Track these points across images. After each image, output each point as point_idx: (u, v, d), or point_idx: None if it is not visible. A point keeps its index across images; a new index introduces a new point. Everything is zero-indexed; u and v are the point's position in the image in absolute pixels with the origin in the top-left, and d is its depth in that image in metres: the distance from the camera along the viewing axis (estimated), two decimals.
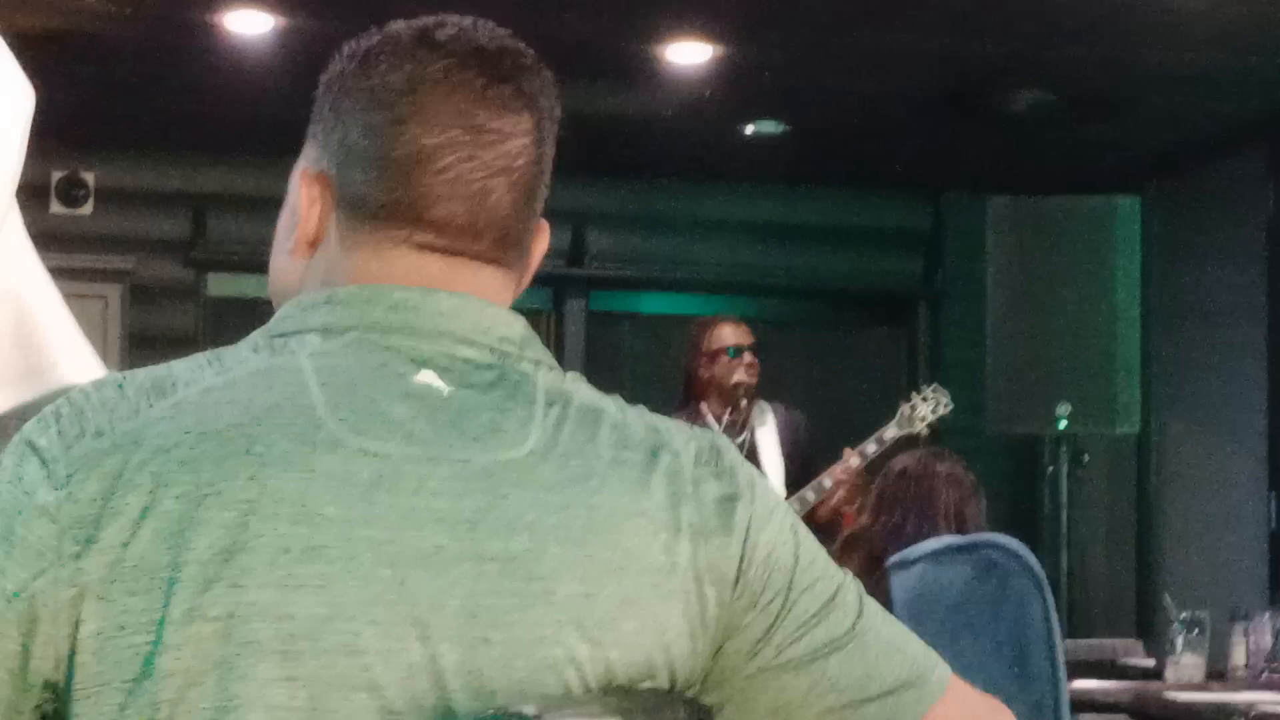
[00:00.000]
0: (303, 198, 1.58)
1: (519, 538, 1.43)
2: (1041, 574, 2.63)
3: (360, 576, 1.39)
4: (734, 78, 7.42)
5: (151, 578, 1.36)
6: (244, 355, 1.48)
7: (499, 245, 1.57)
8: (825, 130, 8.18)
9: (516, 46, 1.61)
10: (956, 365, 8.71)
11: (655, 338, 9.11)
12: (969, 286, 8.62)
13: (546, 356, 1.56)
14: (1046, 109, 7.69)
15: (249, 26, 6.89)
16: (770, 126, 8.20)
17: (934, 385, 6.44)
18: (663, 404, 6.87)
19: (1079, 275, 7.57)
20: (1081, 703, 5.03)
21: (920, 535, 3.75)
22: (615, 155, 8.48)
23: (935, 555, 2.66)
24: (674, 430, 1.54)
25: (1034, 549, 3.54)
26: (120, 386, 1.45)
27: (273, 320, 1.53)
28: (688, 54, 7.20)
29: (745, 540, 1.48)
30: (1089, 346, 7.51)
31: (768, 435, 6.51)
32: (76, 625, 1.37)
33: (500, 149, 1.55)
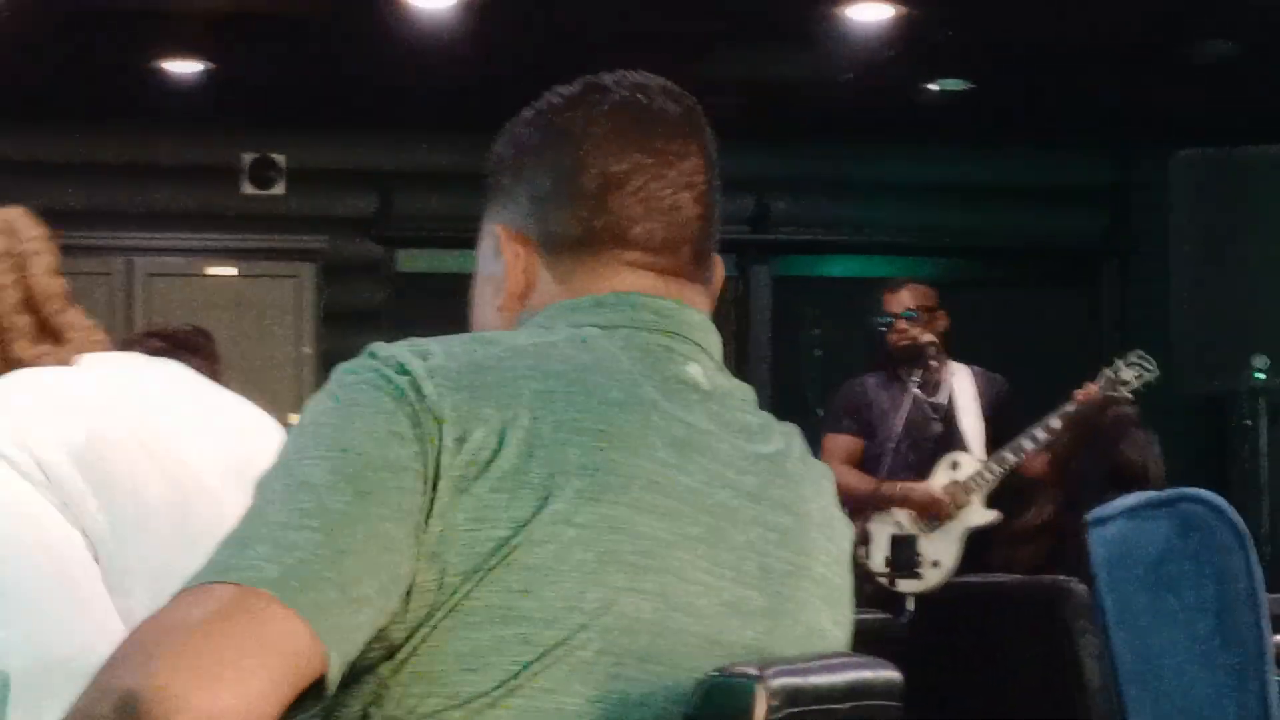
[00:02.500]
0: (507, 255, 1.69)
1: (788, 516, 1.65)
2: (1244, 529, 2.60)
3: (690, 516, 1.56)
4: (915, 36, 7.36)
5: (515, 480, 1.48)
6: (539, 331, 1.63)
7: (695, 261, 1.70)
8: (1008, 87, 8.09)
9: (672, 84, 1.75)
10: (1143, 322, 8.58)
11: (841, 302, 9.06)
12: (1155, 242, 8.48)
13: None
14: (1233, 58, 7.55)
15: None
16: (953, 84, 8.12)
17: (1138, 351, 6.36)
18: (850, 367, 6.89)
19: (1269, 225, 7.41)
20: None
21: (1103, 489, 3.69)
22: (797, 119, 8.46)
23: (1133, 511, 2.64)
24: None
25: (1232, 505, 3.50)
26: (442, 341, 1.57)
27: (541, 319, 1.66)
28: (868, 13, 7.16)
29: None
30: None
31: (965, 397, 6.49)
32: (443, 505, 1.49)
33: (680, 167, 1.68)
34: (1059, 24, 7.25)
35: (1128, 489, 3.53)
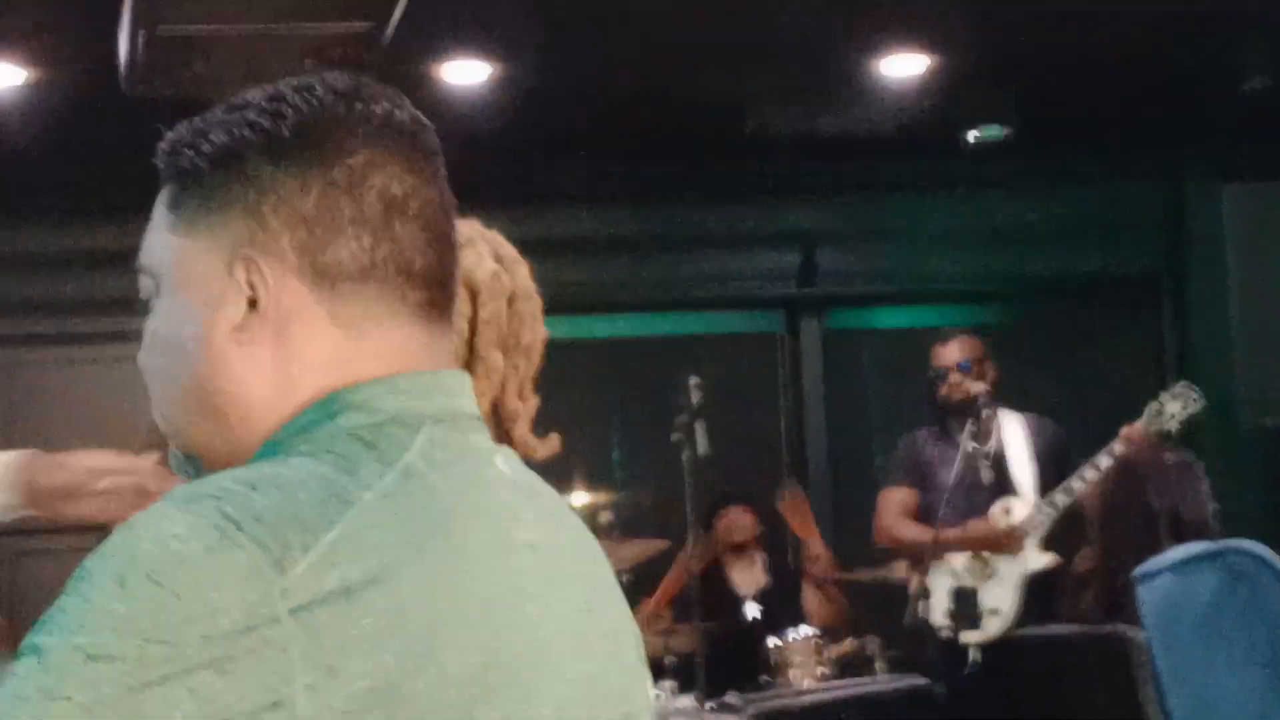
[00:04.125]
0: (242, 281, 1.44)
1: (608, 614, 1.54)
2: None
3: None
4: (952, 85, 7.34)
5: None
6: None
7: (452, 293, 1.52)
8: (1049, 129, 8.05)
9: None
10: (1204, 358, 8.52)
11: (893, 354, 9.03)
12: (1212, 276, 8.44)
13: None
14: (1276, 92, 7.51)
15: (465, 77, 7.00)
16: (993, 129, 8.09)
17: (1183, 382, 6.35)
18: (905, 420, 6.87)
19: None
20: None
21: (1153, 534, 3.65)
22: (841, 173, 8.45)
23: (1180, 565, 2.60)
24: None
25: None
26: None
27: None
28: (904, 65, 7.15)
29: None
30: None
31: (1017, 444, 6.49)
32: None
33: (442, 187, 1.51)
34: (1097, 62, 7.21)
35: (1179, 534, 3.50)
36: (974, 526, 6.34)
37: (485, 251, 2.28)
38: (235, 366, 1.44)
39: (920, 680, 6.02)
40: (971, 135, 8.13)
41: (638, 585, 6.74)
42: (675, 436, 6.58)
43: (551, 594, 1.44)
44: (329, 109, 1.46)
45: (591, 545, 1.56)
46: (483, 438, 1.49)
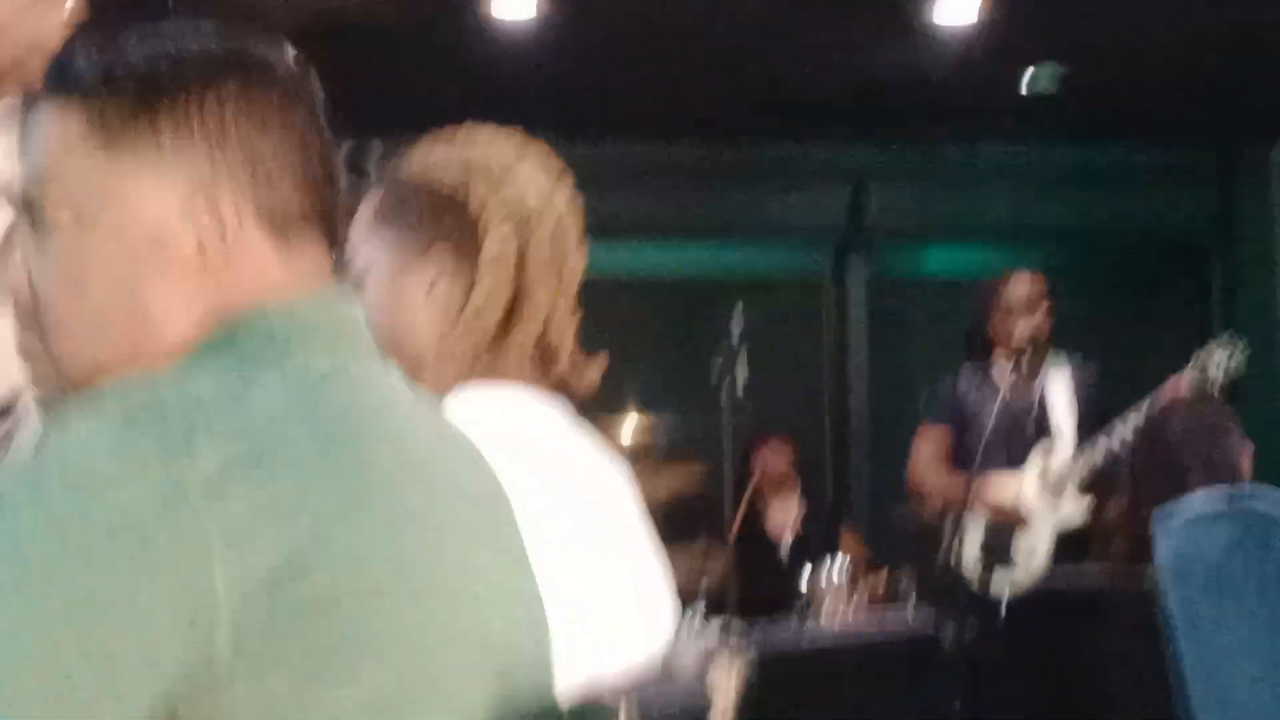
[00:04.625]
0: (200, 218, 1.46)
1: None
2: None
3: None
4: (1008, 27, 7.30)
5: None
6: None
7: (336, 225, 1.58)
8: (1105, 78, 8.01)
9: None
10: (1251, 313, 8.50)
11: (940, 301, 9.01)
12: (1260, 232, 8.41)
13: None
14: None
15: (514, 13, 7.02)
16: (1048, 76, 8.06)
17: (1228, 332, 6.31)
18: (948, 368, 6.86)
19: None
20: None
21: (1178, 486, 3.69)
22: (892, 114, 8.42)
23: (1195, 514, 2.63)
24: None
25: None
26: None
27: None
28: (957, 10, 7.13)
29: None
30: None
31: (1059, 388, 6.45)
32: None
33: (325, 127, 1.55)
34: (1155, 15, 7.17)
35: (1211, 483, 3.50)
36: (992, 493, 6.29)
37: (527, 173, 2.24)
38: (177, 302, 1.46)
39: (929, 630, 6.05)
40: (1025, 78, 8.10)
41: (675, 515, 6.75)
42: (716, 368, 6.60)
43: (444, 485, 1.48)
44: (253, 53, 1.50)
45: (474, 451, 1.58)
46: (373, 347, 1.54)
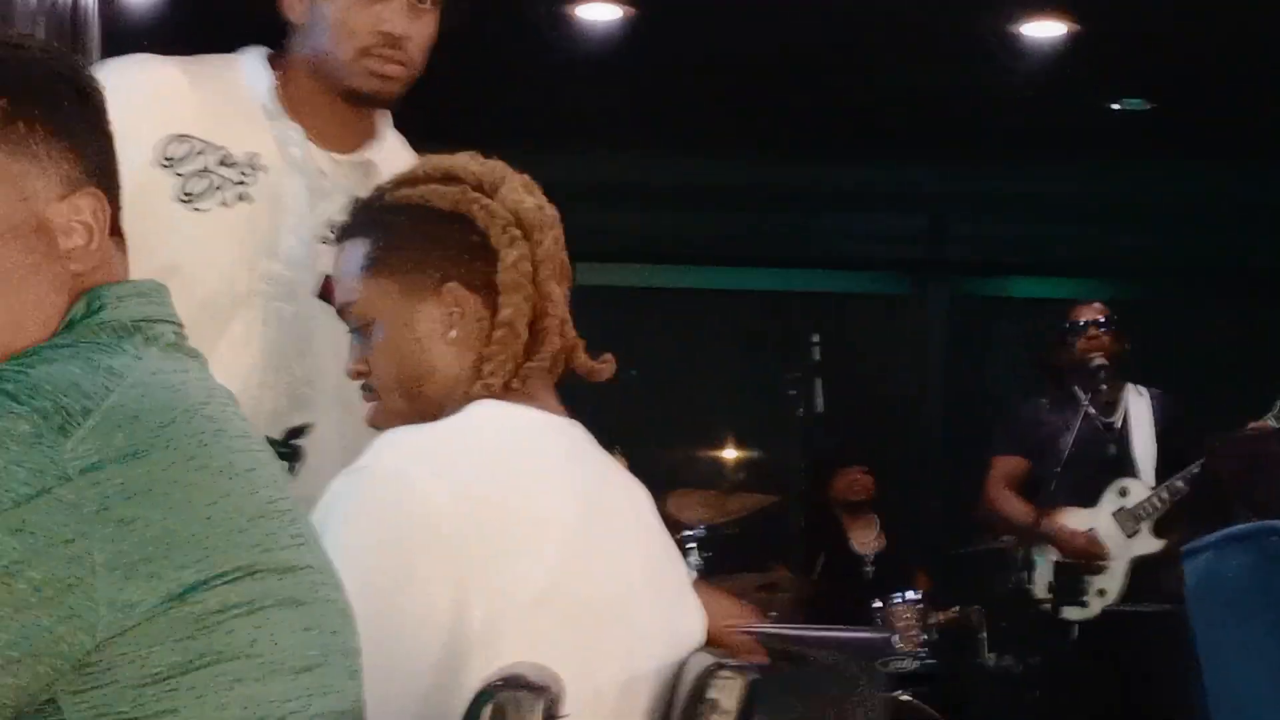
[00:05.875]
0: (89, 216, 1.58)
1: None
2: None
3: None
4: (1094, 54, 7.24)
5: None
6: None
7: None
8: (1190, 104, 7.91)
9: None
10: None
11: (1022, 323, 8.92)
12: None
13: None
14: None
15: (599, 15, 7.01)
16: (1134, 102, 7.97)
17: None
18: (1028, 391, 6.78)
19: None
20: None
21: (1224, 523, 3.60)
22: (974, 137, 8.35)
23: (1219, 543, 2.59)
24: None
25: None
26: None
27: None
28: (1042, 30, 7.06)
29: None
30: None
31: (1141, 420, 6.37)
32: None
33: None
34: (1240, 40, 7.08)
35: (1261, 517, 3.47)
36: (1067, 536, 6.20)
37: (519, 186, 2.27)
38: (48, 291, 1.56)
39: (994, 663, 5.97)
40: (1114, 105, 8.01)
41: (742, 539, 6.72)
42: (792, 392, 6.56)
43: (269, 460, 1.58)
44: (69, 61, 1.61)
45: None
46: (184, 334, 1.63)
